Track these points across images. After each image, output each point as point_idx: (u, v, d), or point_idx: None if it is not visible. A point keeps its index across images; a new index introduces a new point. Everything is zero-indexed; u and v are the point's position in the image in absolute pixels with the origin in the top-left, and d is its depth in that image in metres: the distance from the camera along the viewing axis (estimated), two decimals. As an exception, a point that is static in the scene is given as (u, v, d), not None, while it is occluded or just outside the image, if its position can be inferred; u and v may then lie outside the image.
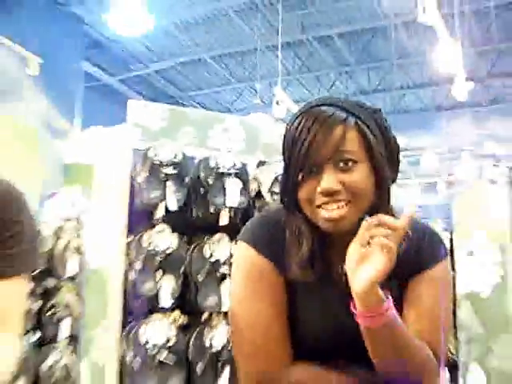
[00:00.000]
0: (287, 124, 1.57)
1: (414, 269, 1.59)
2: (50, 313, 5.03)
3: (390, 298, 1.43)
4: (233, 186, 3.73)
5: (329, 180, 1.45)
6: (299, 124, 1.50)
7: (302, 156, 1.46)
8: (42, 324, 5.02)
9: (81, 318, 4.60)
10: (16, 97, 11.52)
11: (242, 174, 3.83)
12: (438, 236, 1.69)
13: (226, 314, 3.62)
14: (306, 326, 1.57)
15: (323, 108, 1.52)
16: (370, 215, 1.42)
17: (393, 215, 1.48)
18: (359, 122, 1.51)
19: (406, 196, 17.43)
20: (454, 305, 4.63)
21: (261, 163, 3.96)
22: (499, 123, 14.54)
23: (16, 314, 1.61)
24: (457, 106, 15.87)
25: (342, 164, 1.46)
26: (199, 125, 4.02)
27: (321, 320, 1.57)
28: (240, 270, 1.62)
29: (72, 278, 5.06)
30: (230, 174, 3.77)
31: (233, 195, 3.71)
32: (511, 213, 4.70)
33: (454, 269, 4.93)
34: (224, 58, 15.22)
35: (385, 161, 1.53)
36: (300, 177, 1.49)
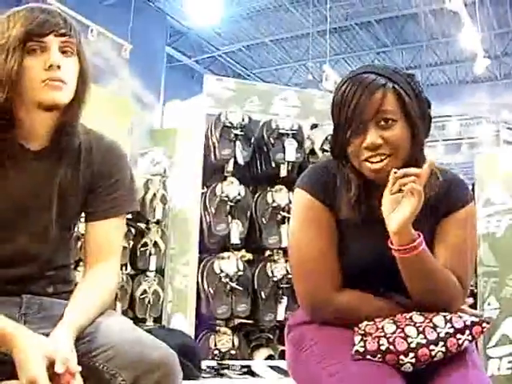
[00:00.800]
0: (335, 89, 1.54)
1: (443, 212, 1.55)
2: (141, 249, 5.10)
3: (421, 235, 1.41)
4: (290, 144, 3.67)
5: (372, 136, 1.43)
6: (346, 89, 1.48)
7: (350, 116, 1.45)
8: (135, 258, 5.11)
9: (165, 253, 4.65)
10: (112, 75, 11.61)
11: (298, 135, 3.76)
12: (464, 183, 1.63)
13: (285, 250, 3.60)
14: (353, 257, 1.54)
15: (365, 75, 1.48)
16: (408, 166, 1.42)
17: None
18: (396, 87, 1.47)
19: (433, 156, 17.10)
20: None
21: (314, 126, 3.89)
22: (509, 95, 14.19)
23: (117, 247, 1.59)
24: (477, 80, 15.57)
25: (382, 122, 1.44)
26: (262, 95, 3.97)
27: (365, 252, 1.53)
28: (297, 211, 1.60)
29: (158, 222, 5.12)
30: (288, 135, 3.71)
31: (290, 152, 3.65)
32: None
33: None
34: (282, 42, 15.08)
35: (418, 119, 1.49)
36: (348, 134, 1.46)
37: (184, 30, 14.75)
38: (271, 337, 3.69)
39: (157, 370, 1.25)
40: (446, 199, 1.54)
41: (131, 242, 5.10)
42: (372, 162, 1.45)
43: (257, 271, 3.59)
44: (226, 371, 2.49)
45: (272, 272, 3.59)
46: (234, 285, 3.48)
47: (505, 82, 15.36)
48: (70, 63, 1.46)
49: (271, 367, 2.71)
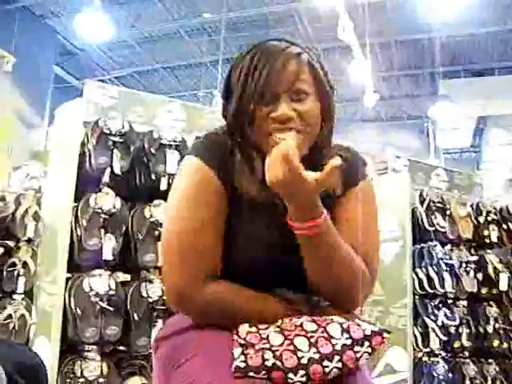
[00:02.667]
0: (238, 56, 1.39)
1: (342, 188, 1.40)
2: (8, 270, 4.74)
3: (326, 211, 1.24)
4: (173, 156, 3.47)
5: (284, 107, 1.29)
6: (255, 55, 1.33)
7: (261, 84, 1.29)
8: (1, 280, 4.73)
9: (34, 275, 4.32)
10: (-6, 91, 11.05)
11: (181, 147, 3.56)
12: (360, 158, 1.51)
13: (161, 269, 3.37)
14: (247, 241, 1.33)
15: (276, 42, 1.36)
16: (315, 149, 1.35)
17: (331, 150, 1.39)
18: (309, 59, 1.36)
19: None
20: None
21: (197, 138, 3.69)
22: (396, 135, 14.77)
23: None
24: (364, 119, 16.14)
25: (295, 95, 1.32)
26: (147, 105, 3.75)
27: (262, 234, 1.33)
28: (182, 176, 1.38)
29: (29, 240, 4.79)
30: (170, 146, 3.51)
31: (172, 164, 3.44)
32: (409, 195, 4.63)
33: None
34: (174, 70, 15.01)
35: (329, 97, 1.39)
36: (254, 103, 1.30)
37: (74, 50, 14.35)
38: (145, 364, 3.42)
39: None
40: (343, 175, 1.36)
41: (-2, 262, 4.73)
42: (279, 138, 1.28)
43: (130, 291, 3.33)
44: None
45: (147, 292, 3.34)
46: (104, 305, 3.20)
47: (390, 123, 16.00)
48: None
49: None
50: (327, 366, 1.16)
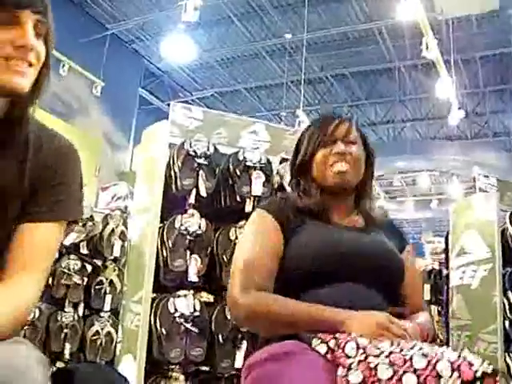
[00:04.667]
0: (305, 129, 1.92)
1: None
2: (96, 288, 4.84)
3: None
4: (258, 177, 3.46)
5: (340, 146, 1.75)
6: (315, 121, 1.89)
7: (322, 134, 1.77)
8: (89, 297, 4.84)
9: (121, 294, 4.40)
10: (83, 113, 11.46)
11: (266, 169, 3.55)
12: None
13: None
14: (309, 249, 1.64)
15: (330, 114, 1.88)
16: (361, 189, 1.82)
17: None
18: (357, 123, 1.86)
19: (403, 211, 17.24)
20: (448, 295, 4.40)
21: (283, 160, 3.65)
22: (480, 153, 14.33)
23: (46, 258, 1.33)
24: (448, 137, 15.72)
25: (346, 142, 1.77)
26: (231, 127, 3.76)
27: (324, 238, 1.67)
28: (249, 224, 1.77)
29: (116, 260, 4.89)
30: (255, 168, 3.50)
31: (257, 186, 3.43)
32: (498, 216, 4.44)
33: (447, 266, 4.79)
34: (256, 90, 15.09)
35: (371, 151, 1.86)
36: (317, 146, 1.76)
37: (158, 73, 14.70)
38: (228, 385, 3.39)
39: None
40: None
41: (86, 279, 4.84)
42: (339, 166, 1.72)
43: (215, 312, 3.32)
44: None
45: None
46: (189, 326, 3.20)
47: (475, 141, 15.53)
48: (41, 46, 1.26)
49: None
50: None
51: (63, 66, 10.45)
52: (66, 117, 10.67)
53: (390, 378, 1.16)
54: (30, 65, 1.23)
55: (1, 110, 1.27)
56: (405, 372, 1.16)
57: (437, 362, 1.16)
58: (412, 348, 1.22)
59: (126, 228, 4.73)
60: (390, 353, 1.21)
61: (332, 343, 1.30)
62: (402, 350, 1.22)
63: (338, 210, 1.76)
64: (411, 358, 1.18)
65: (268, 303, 1.53)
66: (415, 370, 1.15)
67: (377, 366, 1.18)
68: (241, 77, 14.45)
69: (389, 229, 1.81)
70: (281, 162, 3.65)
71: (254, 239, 1.68)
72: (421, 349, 1.21)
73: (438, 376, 1.13)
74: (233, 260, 1.70)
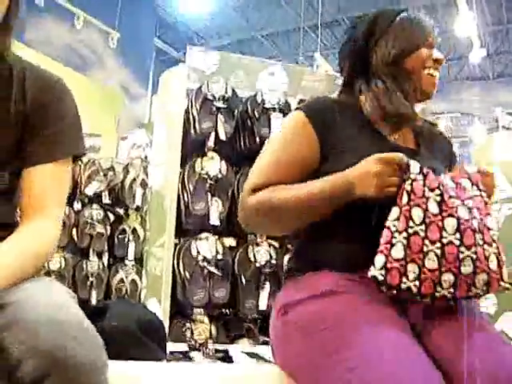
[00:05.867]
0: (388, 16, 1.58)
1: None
2: (119, 237, 4.89)
3: None
4: (277, 118, 3.40)
5: (440, 55, 1.55)
6: (412, 14, 1.57)
7: (427, 34, 1.54)
8: (112, 246, 4.89)
9: (144, 241, 4.43)
10: (99, 65, 11.40)
11: (285, 109, 3.48)
12: None
13: (268, 233, 3.34)
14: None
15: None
16: None
17: None
18: None
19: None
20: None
21: (302, 101, 3.60)
22: (503, 93, 14.05)
23: (59, 197, 1.31)
24: (469, 78, 15.43)
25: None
26: (248, 69, 3.70)
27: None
28: (283, 125, 1.58)
29: (138, 208, 4.91)
30: (274, 109, 3.44)
31: (277, 127, 3.36)
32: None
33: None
34: (272, 36, 14.87)
35: None
36: (420, 45, 1.53)
37: (174, 22, 14.52)
38: (252, 327, 3.43)
39: (70, 372, 0.95)
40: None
41: (109, 229, 4.88)
42: (433, 76, 1.54)
43: (237, 254, 3.34)
44: (196, 354, 2.23)
45: (254, 256, 3.33)
46: (212, 269, 3.22)
47: (497, 80, 15.23)
48: None
49: (248, 354, 2.45)
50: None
51: (78, 18, 10.33)
52: (83, 69, 10.62)
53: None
54: None
55: None
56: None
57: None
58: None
59: (147, 176, 4.72)
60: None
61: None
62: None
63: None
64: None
65: (270, 194, 1.39)
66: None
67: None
68: (257, 23, 14.23)
69: (440, 146, 1.63)
70: (299, 103, 3.60)
71: (283, 146, 1.48)
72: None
73: None
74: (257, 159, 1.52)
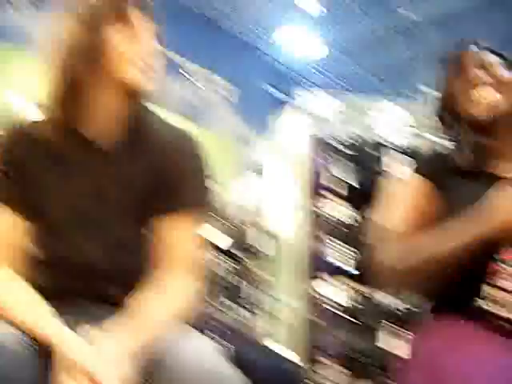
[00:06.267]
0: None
1: None
2: (245, 283, 4.89)
3: None
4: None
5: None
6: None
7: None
8: (239, 293, 4.89)
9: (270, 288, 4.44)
10: (213, 116, 11.70)
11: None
12: None
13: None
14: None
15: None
16: None
17: None
18: None
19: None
20: None
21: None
22: None
23: (184, 253, 1.33)
24: None
25: None
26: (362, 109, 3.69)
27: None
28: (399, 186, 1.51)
29: (259, 253, 4.90)
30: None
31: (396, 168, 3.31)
32: None
33: None
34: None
35: None
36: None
37: (283, 67, 14.69)
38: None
39: None
40: None
41: (235, 277, 4.89)
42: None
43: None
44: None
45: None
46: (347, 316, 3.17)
47: None
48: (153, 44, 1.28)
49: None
50: None
51: (194, 75, 10.73)
52: (197, 120, 10.93)
53: None
54: (143, 61, 1.24)
55: (124, 108, 1.28)
56: None
57: None
58: None
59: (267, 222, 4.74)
60: None
61: None
62: None
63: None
64: None
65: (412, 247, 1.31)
66: None
67: None
68: (371, 65, 14.08)
69: None
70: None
71: (403, 205, 1.43)
72: None
73: None
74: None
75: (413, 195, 1.43)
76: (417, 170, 1.46)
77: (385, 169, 3.33)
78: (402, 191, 1.47)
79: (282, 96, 14.44)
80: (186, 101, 10.71)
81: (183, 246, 1.31)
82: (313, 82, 14.66)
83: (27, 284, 1.20)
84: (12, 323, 1.10)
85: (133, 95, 1.25)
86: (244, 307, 4.88)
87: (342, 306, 3.19)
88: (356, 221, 3.29)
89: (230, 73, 11.40)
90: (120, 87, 1.23)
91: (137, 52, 1.21)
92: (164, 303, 1.20)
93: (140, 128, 1.32)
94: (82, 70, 1.18)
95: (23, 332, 1.08)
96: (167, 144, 1.33)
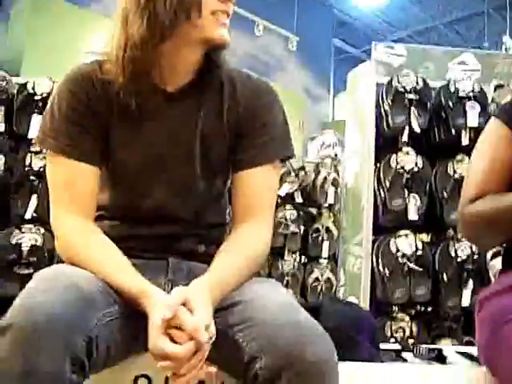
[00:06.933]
0: None
1: None
2: (313, 236, 4.92)
3: None
4: (472, 107, 3.21)
5: None
6: None
7: None
8: (307, 245, 4.93)
9: (338, 239, 4.44)
10: (280, 70, 11.64)
11: (480, 97, 3.28)
12: None
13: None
14: None
15: None
16: None
17: None
18: None
19: None
20: None
21: (498, 86, 3.38)
22: None
23: (269, 201, 1.34)
24: None
25: None
26: (437, 60, 3.58)
27: None
28: (482, 136, 1.52)
29: (330, 206, 4.91)
30: (469, 98, 3.25)
31: (473, 117, 3.19)
32: None
33: None
34: (453, 24, 14.19)
35: None
36: None
37: (350, 20, 14.43)
38: (454, 326, 3.28)
39: (307, 369, 0.97)
40: None
41: (302, 228, 4.93)
42: None
43: (438, 251, 3.21)
44: (408, 355, 2.17)
45: (455, 252, 3.18)
46: (412, 265, 3.13)
47: None
48: None
49: (461, 353, 2.33)
50: None
51: (257, 26, 10.67)
52: (265, 75, 10.88)
53: None
54: (228, 15, 1.25)
55: (199, 58, 1.29)
56: None
57: None
58: None
59: (338, 174, 4.73)
60: None
61: None
62: None
63: None
64: None
65: (489, 203, 1.37)
66: None
67: None
68: (436, 12, 13.68)
69: None
70: (495, 89, 3.38)
71: (484, 153, 1.47)
72: None
73: None
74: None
75: (495, 143, 1.45)
76: (497, 117, 1.48)
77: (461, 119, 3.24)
78: (484, 140, 1.50)
79: (349, 49, 14.26)
80: (252, 55, 10.73)
81: (267, 197, 1.33)
82: (382, 34, 14.39)
83: (112, 244, 1.22)
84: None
85: (215, 48, 1.26)
86: (309, 256, 4.93)
87: (408, 254, 3.14)
88: (419, 167, 3.21)
89: (296, 25, 11.30)
90: (204, 42, 1.24)
91: (225, 10, 1.22)
92: (244, 260, 1.22)
93: (216, 77, 1.32)
94: (173, 23, 1.19)
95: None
96: (248, 94, 1.34)
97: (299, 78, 12.14)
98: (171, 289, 1.14)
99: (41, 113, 3.39)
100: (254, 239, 1.26)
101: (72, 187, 1.23)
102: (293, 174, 4.78)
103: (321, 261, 4.90)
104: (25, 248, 3.28)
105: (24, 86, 3.55)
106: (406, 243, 3.15)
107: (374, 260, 3.21)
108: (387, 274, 3.15)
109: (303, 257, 5.01)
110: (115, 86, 1.23)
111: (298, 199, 4.88)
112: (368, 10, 13.01)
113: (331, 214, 4.87)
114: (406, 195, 3.18)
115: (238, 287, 1.16)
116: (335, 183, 4.72)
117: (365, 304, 3.20)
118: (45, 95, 3.47)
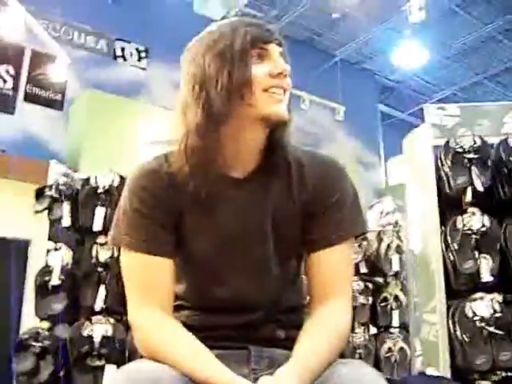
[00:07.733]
0: None
1: None
2: (382, 305, 4.82)
3: None
4: (534, 161, 3.14)
5: None
6: None
7: None
8: (376, 315, 4.83)
9: (408, 306, 4.31)
10: (329, 140, 11.70)
11: (544, 151, 3.21)
12: None
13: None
14: None
15: None
16: None
17: None
18: None
19: None
20: None
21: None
22: None
23: (346, 280, 1.31)
24: None
25: None
26: (491, 115, 3.53)
27: None
28: None
29: (396, 274, 4.82)
30: (532, 151, 3.19)
31: (535, 170, 3.12)
32: None
33: None
34: (498, 76, 14.10)
35: None
36: None
37: (393, 84, 14.52)
38: None
39: None
40: None
41: (370, 298, 4.84)
42: None
43: (517, 312, 3.07)
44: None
45: (537, 313, 3.04)
46: (492, 329, 3.00)
47: None
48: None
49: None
50: None
51: (303, 101, 10.85)
52: (315, 147, 10.91)
53: None
54: (284, 91, 1.25)
55: (263, 139, 1.28)
56: None
57: None
58: None
59: (401, 241, 4.66)
60: None
61: None
62: None
63: None
64: None
65: None
66: None
67: None
68: (479, 67, 13.64)
69: None
70: (556, 141, 3.30)
71: None
72: None
73: None
74: None
75: None
76: None
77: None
78: None
79: (395, 113, 14.27)
80: (301, 129, 10.84)
81: (344, 273, 1.30)
82: (426, 95, 14.39)
83: (190, 334, 1.20)
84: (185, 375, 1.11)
85: (275, 127, 1.26)
86: (379, 326, 4.81)
87: (487, 317, 3.01)
88: (487, 227, 3.12)
89: (341, 94, 11.41)
90: (262, 121, 1.24)
91: (280, 86, 1.23)
92: (327, 344, 1.19)
93: (282, 158, 1.31)
94: (227, 105, 1.19)
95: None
96: (316, 172, 1.33)
97: (348, 147, 12.17)
98: (255, 379, 1.11)
99: (103, 205, 3.49)
100: (335, 320, 1.23)
101: (149, 281, 1.22)
102: (356, 244, 4.73)
103: (392, 330, 4.78)
104: (96, 339, 3.30)
105: (87, 180, 3.67)
106: (482, 306, 3.03)
107: (451, 326, 3.09)
108: (466, 340, 3.02)
109: (373, 327, 4.91)
110: (182, 177, 1.24)
111: (363, 269, 4.81)
112: (409, 71, 13.06)
113: (398, 282, 4.78)
114: (477, 256, 3.09)
115: (323, 372, 1.12)
116: (399, 250, 4.65)
117: (446, 372, 3.07)
118: (107, 187, 3.58)
